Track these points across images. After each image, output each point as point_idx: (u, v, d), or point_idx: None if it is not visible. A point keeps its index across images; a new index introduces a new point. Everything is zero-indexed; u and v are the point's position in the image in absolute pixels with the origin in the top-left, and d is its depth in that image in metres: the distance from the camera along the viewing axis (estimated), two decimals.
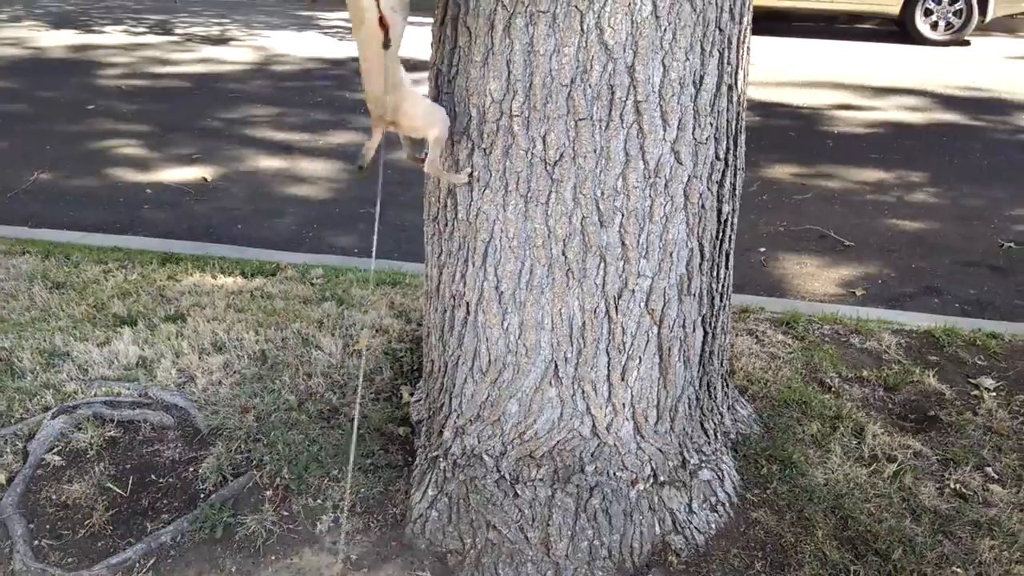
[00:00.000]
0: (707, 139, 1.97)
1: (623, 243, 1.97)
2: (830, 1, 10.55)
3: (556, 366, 2.07)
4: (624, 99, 1.84)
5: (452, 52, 1.96)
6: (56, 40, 9.68)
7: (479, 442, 2.17)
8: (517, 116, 1.88)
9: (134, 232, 4.60)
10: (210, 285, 3.67)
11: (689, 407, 2.26)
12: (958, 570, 2.14)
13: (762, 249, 4.86)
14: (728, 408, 2.56)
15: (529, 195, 1.93)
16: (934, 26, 10.10)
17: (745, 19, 1.98)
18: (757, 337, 3.35)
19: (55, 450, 2.50)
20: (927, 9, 10.02)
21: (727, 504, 2.30)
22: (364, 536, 2.22)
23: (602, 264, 1.98)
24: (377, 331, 3.21)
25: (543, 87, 1.84)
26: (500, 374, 2.11)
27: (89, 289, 3.59)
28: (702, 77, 1.90)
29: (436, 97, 2.06)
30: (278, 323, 3.23)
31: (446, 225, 2.11)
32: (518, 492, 2.11)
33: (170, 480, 2.43)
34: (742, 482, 2.41)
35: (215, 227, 4.77)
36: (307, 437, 2.54)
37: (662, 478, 2.19)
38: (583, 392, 2.10)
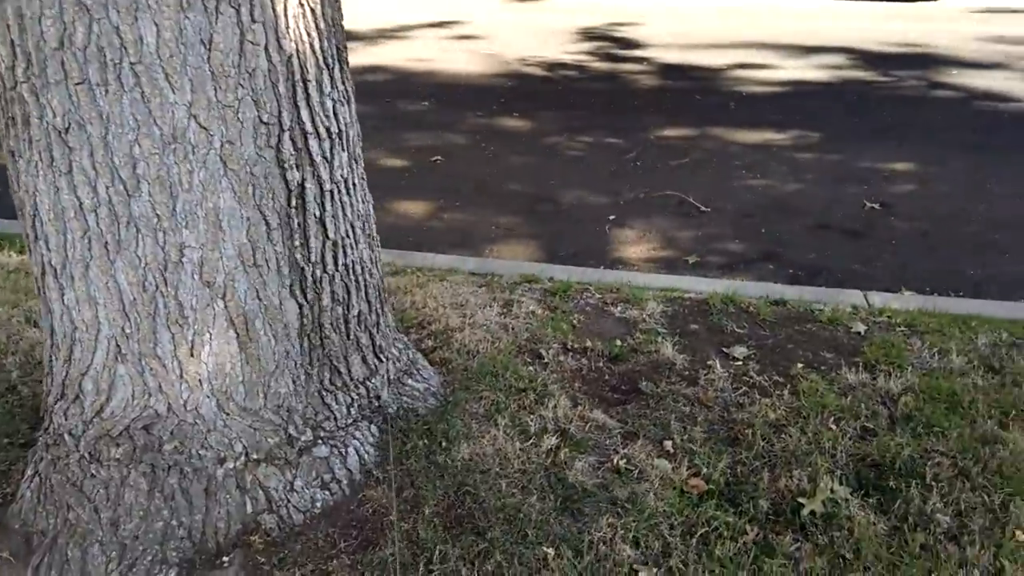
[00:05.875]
0: (237, 102, 1.87)
1: (156, 213, 1.88)
2: None
3: (118, 343, 2.01)
4: (118, 61, 1.75)
5: None
6: None
7: (66, 420, 2.12)
8: (24, 83, 1.81)
9: None
10: None
11: (295, 382, 2.18)
12: (549, 550, 2.04)
13: (612, 217, 4.73)
14: (390, 382, 2.47)
15: (53, 165, 1.86)
16: None
17: None
18: (508, 308, 3.24)
19: None
20: None
21: (346, 481, 2.22)
22: None
23: (138, 235, 1.90)
24: None
25: (38, 51, 1.77)
26: (71, 351, 2.06)
27: None
28: (212, 36, 1.80)
29: None
30: (16, 302, 3.21)
31: (13, 199, 2.05)
32: (94, 472, 2.06)
33: None
34: (380, 457, 2.33)
35: None
36: None
37: (256, 456, 2.12)
38: (151, 369, 2.03)
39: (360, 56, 8.03)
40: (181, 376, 2.05)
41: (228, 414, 2.11)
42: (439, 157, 5.59)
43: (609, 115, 6.40)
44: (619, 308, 3.29)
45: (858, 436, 2.50)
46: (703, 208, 4.84)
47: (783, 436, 2.49)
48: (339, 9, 2.15)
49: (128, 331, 2.00)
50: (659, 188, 5.11)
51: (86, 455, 2.08)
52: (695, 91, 6.91)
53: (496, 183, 5.18)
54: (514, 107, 6.58)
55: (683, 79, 7.24)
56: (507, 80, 7.31)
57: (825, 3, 9.99)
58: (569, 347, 2.97)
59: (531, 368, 2.80)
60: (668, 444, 2.47)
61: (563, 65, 7.74)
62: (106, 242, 1.92)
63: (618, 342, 3.01)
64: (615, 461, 2.39)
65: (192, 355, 2.03)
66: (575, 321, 3.15)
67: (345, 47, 2.21)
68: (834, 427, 2.53)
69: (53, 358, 2.13)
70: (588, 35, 8.84)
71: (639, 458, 2.40)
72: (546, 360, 2.86)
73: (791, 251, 4.25)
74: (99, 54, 1.75)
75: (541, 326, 3.08)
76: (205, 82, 1.83)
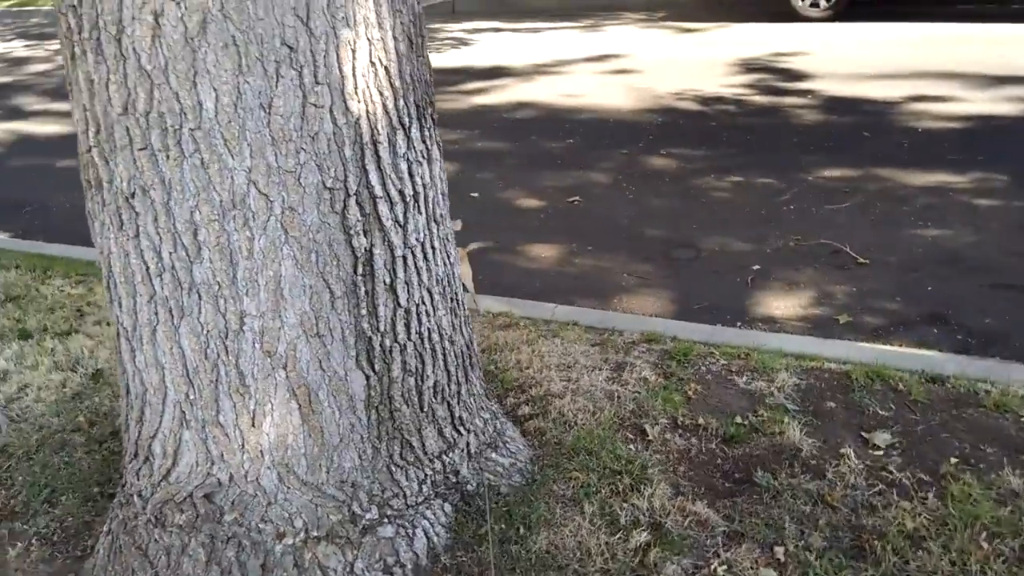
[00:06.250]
0: (299, 167, 1.78)
1: (217, 280, 1.82)
2: None
3: (182, 408, 1.96)
4: (178, 127, 1.71)
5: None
6: None
7: (137, 480, 2.10)
8: (95, 147, 1.81)
9: None
10: None
11: (360, 457, 2.06)
12: None
13: (756, 267, 4.36)
14: (471, 456, 2.31)
15: (122, 229, 1.85)
16: None
17: (343, 32, 1.77)
18: (619, 371, 3.00)
19: None
20: None
21: (410, 566, 2.07)
22: (46, 566, 2.22)
23: (200, 302, 1.85)
24: None
25: (105, 116, 1.76)
26: (143, 412, 2.04)
27: (34, 303, 3.85)
28: (272, 100, 1.72)
29: None
30: None
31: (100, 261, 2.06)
32: (157, 537, 2.02)
33: None
34: (453, 540, 2.17)
35: None
36: (68, 460, 2.57)
37: (316, 533, 2.01)
38: (214, 437, 1.97)
39: (511, 93, 8.02)
40: (242, 446, 1.97)
41: (289, 487, 2.01)
42: (577, 198, 5.41)
43: (764, 153, 5.99)
44: (744, 378, 2.97)
45: (1016, 559, 2.07)
46: (861, 260, 4.36)
47: (921, 552, 2.10)
48: (423, 64, 2.02)
49: (192, 397, 1.95)
50: (812, 235, 4.67)
51: (152, 518, 2.05)
52: (863, 127, 6.34)
53: (634, 226, 4.93)
54: (661, 144, 6.30)
55: (850, 113, 6.68)
56: (658, 116, 7.04)
57: (1020, 27, 9.02)
58: (679, 423, 2.69)
59: (632, 446, 2.54)
60: (779, 551, 2.15)
61: (719, 99, 7.37)
62: (170, 307, 1.88)
63: (737, 419, 2.70)
64: (713, 567, 2.10)
65: (253, 425, 1.96)
66: (691, 391, 2.87)
67: (431, 103, 2.08)
68: (986, 545, 2.11)
69: (128, 417, 2.11)
70: (749, 67, 8.39)
71: (742, 565, 2.10)
72: (650, 437, 2.60)
73: (962, 313, 3.73)
74: (160, 120, 1.71)
75: (651, 396, 2.82)
76: (265, 147, 1.75)
